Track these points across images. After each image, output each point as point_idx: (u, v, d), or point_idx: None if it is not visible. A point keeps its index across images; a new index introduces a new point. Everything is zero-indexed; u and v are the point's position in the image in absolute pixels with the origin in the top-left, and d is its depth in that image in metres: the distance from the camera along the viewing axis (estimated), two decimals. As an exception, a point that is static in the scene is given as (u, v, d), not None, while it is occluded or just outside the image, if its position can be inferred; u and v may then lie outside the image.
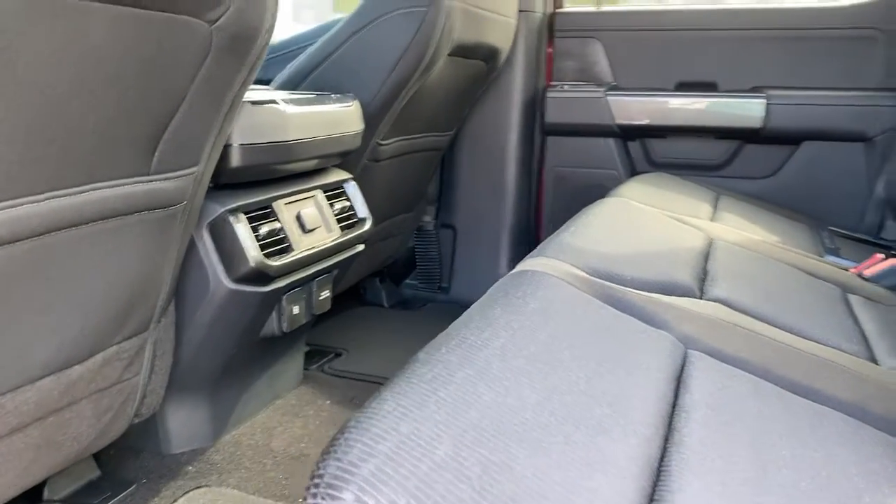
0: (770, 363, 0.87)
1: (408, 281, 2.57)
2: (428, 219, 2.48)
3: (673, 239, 1.33)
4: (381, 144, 1.81)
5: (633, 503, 0.53)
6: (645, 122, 2.25)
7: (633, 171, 2.30)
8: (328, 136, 1.45)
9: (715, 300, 1.03)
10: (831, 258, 1.54)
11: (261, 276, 1.30)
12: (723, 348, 0.87)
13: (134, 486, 1.33)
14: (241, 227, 1.27)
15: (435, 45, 1.68)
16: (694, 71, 2.22)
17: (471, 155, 2.37)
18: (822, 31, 2.09)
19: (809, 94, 2.08)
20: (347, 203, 1.60)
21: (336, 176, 1.60)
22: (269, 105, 1.29)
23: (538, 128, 2.37)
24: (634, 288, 1.00)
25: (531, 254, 1.10)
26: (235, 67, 1.02)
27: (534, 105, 2.35)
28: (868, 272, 1.41)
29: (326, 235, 1.49)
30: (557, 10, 2.36)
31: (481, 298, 0.89)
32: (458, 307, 2.41)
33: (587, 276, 1.00)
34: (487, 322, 0.77)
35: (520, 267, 1.01)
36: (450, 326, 0.82)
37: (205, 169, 1.13)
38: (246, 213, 1.30)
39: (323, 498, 0.48)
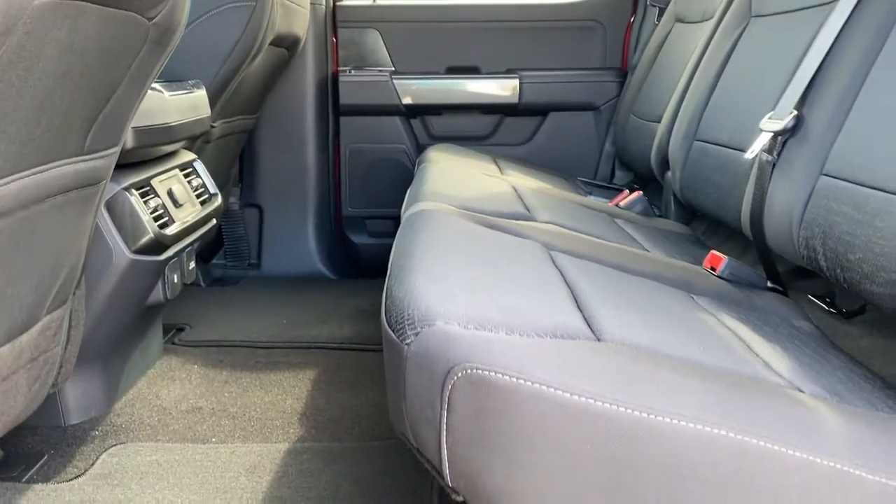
0: (600, 256, 1.26)
1: (215, 261, 2.70)
2: (233, 199, 2.62)
3: (493, 186, 1.70)
4: (212, 126, 1.96)
5: (577, 316, 0.86)
6: (424, 101, 2.62)
7: (417, 144, 2.66)
8: (193, 118, 1.60)
9: (547, 222, 1.42)
10: (593, 197, 2.02)
11: (157, 245, 1.44)
12: (570, 249, 1.24)
13: (45, 457, 1.40)
14: (137, 203, 1.40)
15: (262, 36, 1.88)
16: (460, 57, 2.64)
17: (272, 137, 2.57)
18: (559, 22, 2.61)
19: (552, 74, 2.60)
20: (200, 181, 1.75)
21: (186, 156, 1.74)
22: (154, 91, 1.42)
23: (332, 109, 2.63)
24: (494, 216, 1.35)
25: (411, 200, 1.40)
26: (159, 57, 1.18)
27: (325, 89, 2.60)
28: (622, 203, 1.91)
29: (192, 210, 1.64)
30: (338, 3, 2.63)
31: (403, 231, 1.17)
32: (272, 280, 2.60)
33: (463, 210, 1.33)
34: (429, 242, 1.06)
35: (413, 209, 1.30)
36: (394, 252, 1.09)
37: (120, 149, 1.26)
38: (137, 190, 1.42)
39: (422, 327, 0.75)
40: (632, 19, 2.62)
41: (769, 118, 1.31)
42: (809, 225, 1.17)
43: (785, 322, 1.18)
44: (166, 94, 1.46)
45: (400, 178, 2.64)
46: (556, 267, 1.10)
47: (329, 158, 2.66)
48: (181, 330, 2.07)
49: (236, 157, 2.45)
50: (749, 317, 1.13)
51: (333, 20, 2.62)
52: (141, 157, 1.46)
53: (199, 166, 1.77)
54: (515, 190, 1.72)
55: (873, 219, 1.02)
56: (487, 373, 0.70)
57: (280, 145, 2.58)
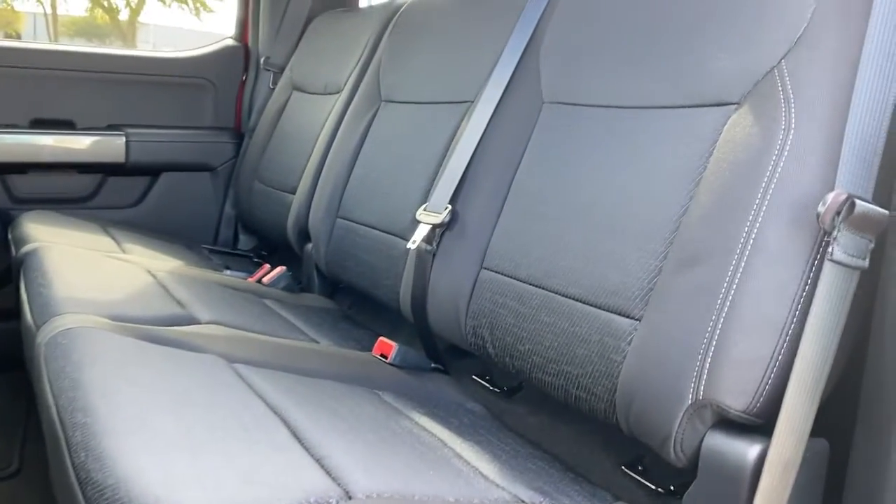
0: (279, 360, 1.19)
1: None
2: None
3: (128, 275, 1.49)
4: None
5: (315, 468, 0.79)
6: (4, 159, 2.20)
7: (-4, 210, 2.22)
8: None
9: (212, 322, 1.29)
10: (229, 272, 1.91)
11: None
12: (249, 357, 1.15)
13: None
14: None
15: None
16: (50, 108, 2.28)
17: None
18: (169, 77, 2.43)
19: (163, 132, 2.40)
20: None
21: None
22: None
23: None
24: (156, 325, 1.18)
25: (43, 310, 1.14)
26: None
27: None
28: (266, 280, 1.84)
29: None
30: None
31: (56, 364, 0.95)
32: None
33: (116, 322, 1.13)
34: (102, 383, 0.88)
35: (54, 326, 1.07)
36: (54, 398, 0.88)
37: None
38: None
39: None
40: (244, 78, 2.56)
41: (425, 210, 1.39)
42: (476, 315, 1.26)
43: (461, 408, 1.25)
44: None
45: (-27, 250, 2.18)
46: (251, 388, 1.01)
47: None
48: None
49: None
50: (433, 411, 1.17)
51: None
52: None
53: None
54: (154, 277, 1.54)
55: (538, 313, 1.14)
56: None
57: None
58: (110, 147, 2.33)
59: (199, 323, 1.28)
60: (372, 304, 1.76)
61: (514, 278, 1.20)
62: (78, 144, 2.30)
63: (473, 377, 1.37)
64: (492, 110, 1.37)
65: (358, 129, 1.81)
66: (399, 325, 1.61)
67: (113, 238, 1.96)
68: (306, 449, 0.83)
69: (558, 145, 1.23)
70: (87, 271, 1.44)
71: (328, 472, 0.78)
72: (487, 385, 1.35)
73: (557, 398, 1.10)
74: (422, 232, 1.37)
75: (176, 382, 0.94)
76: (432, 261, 1.37)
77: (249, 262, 2.24)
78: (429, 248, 1.37)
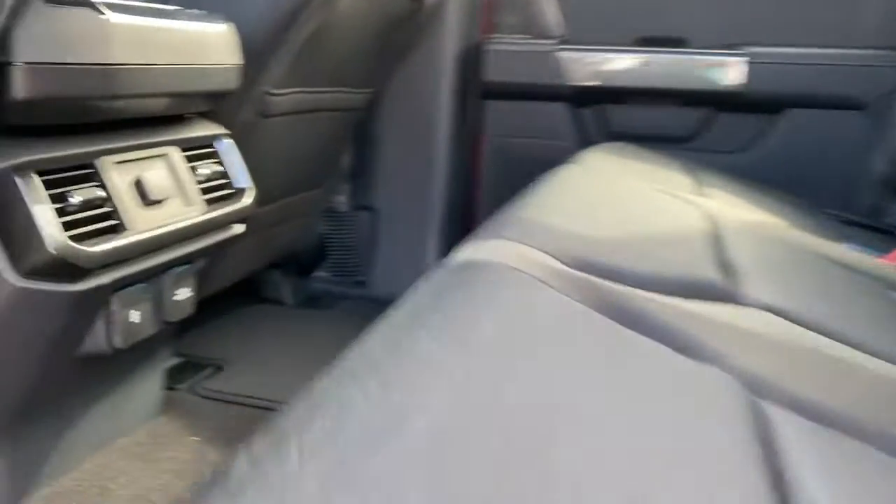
0: (882, 417, 0.50)
1: (318, 274, 2.15)
2: (341, 198, 2.06)
3: (666, 218, 0.95)
4: (273, 94, 1.38)
5: None
6: (602, 84, 1.89)
7: (587, 144, 1.93)
8: (184, 65, 1.02)
9: (761, 307, 0.66)
10: (849, 247, 1.20)
11: (66, 267, 0.87)
12: (806, 394, 0.49)
13: None
14: (35, 194, 0.84)
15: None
16: (660, 24, 1.87)
17: (393, 121, 1.97)
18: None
19: (796, 53, 1.75)
20: (219, 168, 1.17)
21: (203, 129, 1.17)
22: (81, 8, 0.85)
23: (474, 89, 1.98)
24: (641, 288, 0.62)
25: (477, 234, 0.71)
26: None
27: (467, 63, 1.95)
28: (910, 264, 1.08)
29: (184, 210, 1.06)
30: (498, -52, 1.97)
31: (406, 300, 0.49)
32: (378, 305, 2.00)
33: (565, 267, 0.61)
34: (423, 333, 0.37)
35: (465, 254, 0.61)
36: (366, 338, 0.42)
37: None
38: (44, 174, 0.86)
39: None
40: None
41: None
42: None
43: None
44: (111, 16, 0.88)
45: (559, 187, 1.92)
46: (772, 469, 0.36)
47: (466, 154, 2.01)
48: (220, 369, 1.53)
49: (338, 146, 1.88)
50: None
51: (489, -31, 1.96)
52: (65, 118, 0.90)
53: (225, 146, 1.20)
54: (715, 226, 0.96)
55: None
56: None
57: (404, 133, 1.97)
58: (726, 73, 1.80)
59: (739, 304, 0.67)
60: None
61: None
62: (687, 69, 1.84)
63: None
64: None
65: None
66: None
67: (696, 181, 1.44)
68: None
69: None
70: (597, 199, 0.95)
71: None
72: None
73: None
74: None
75: (584, 388, 0.37)
76: None
77: (893, 241, 1.45)
78: None
